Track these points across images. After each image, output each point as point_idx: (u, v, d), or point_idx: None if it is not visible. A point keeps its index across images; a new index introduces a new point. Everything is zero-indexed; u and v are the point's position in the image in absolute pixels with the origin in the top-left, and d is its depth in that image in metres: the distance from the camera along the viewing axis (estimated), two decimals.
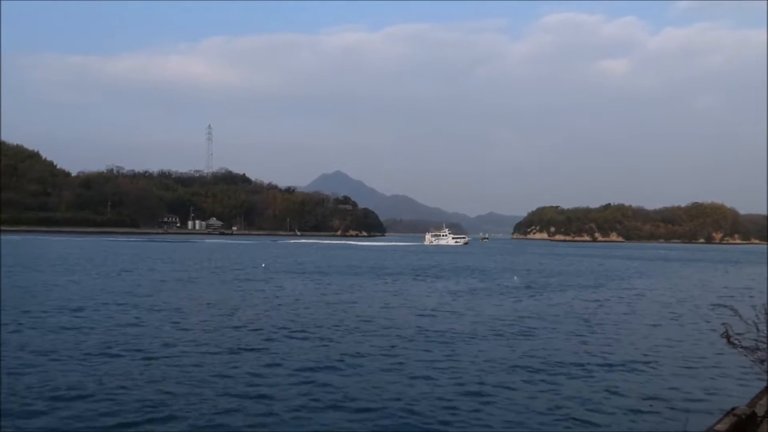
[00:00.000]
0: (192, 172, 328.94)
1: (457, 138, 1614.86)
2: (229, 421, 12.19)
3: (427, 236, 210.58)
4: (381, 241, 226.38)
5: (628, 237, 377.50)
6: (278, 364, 17.13)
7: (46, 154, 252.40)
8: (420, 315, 28.61)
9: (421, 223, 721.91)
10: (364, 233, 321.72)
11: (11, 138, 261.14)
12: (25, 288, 35.63)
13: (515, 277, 56.00)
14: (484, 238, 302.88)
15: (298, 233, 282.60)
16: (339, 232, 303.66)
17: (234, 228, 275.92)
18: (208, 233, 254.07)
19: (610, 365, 18.25)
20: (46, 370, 15.79)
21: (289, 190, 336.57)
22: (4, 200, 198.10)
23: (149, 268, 57.16)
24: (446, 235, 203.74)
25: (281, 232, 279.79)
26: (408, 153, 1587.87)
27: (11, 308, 26.63)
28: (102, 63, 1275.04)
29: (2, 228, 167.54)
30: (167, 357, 17.72)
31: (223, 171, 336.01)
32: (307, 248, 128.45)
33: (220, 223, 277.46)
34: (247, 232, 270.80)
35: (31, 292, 33.77)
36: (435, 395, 14.38)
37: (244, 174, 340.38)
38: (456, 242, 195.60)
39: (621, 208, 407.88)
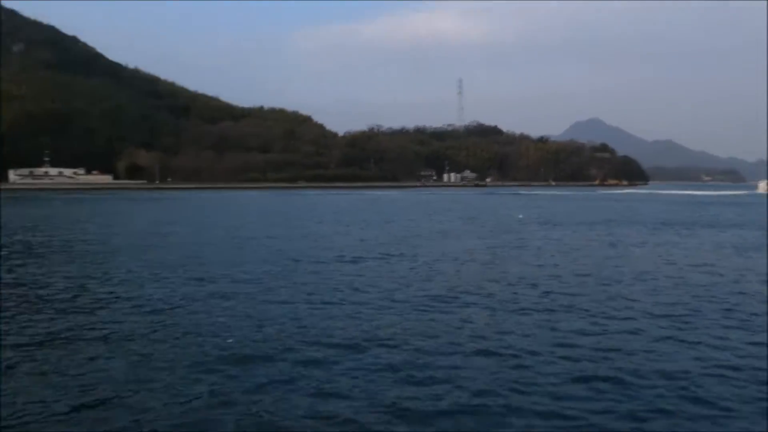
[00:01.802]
0: (445, 127, 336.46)
1: (730, 67, 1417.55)
2: None
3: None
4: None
5: None
6: None
7: (317, 118, 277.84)
8: None
9: (689, 170, 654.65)
10: (625, 182, 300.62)
11: (287, 105, 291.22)
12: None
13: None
14: None
15: (553, 183, 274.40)
16: (597, 182, 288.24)
17: (488, 180, 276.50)
18: (463, 185, 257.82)
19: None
20: None
21: (542, 140, 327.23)
22: (287, 161, 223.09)
23: None
24: None
25: (535, 183, 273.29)
26: (669, 93, 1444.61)
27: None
28: (356, 30, 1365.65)
29: (285, 185, 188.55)
30: None
31: (475, 124, 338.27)
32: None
33: (474, 175, 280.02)
34: (500, 183, 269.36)
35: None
36: None
37: (496, 126, 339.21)
38: None
39: None
